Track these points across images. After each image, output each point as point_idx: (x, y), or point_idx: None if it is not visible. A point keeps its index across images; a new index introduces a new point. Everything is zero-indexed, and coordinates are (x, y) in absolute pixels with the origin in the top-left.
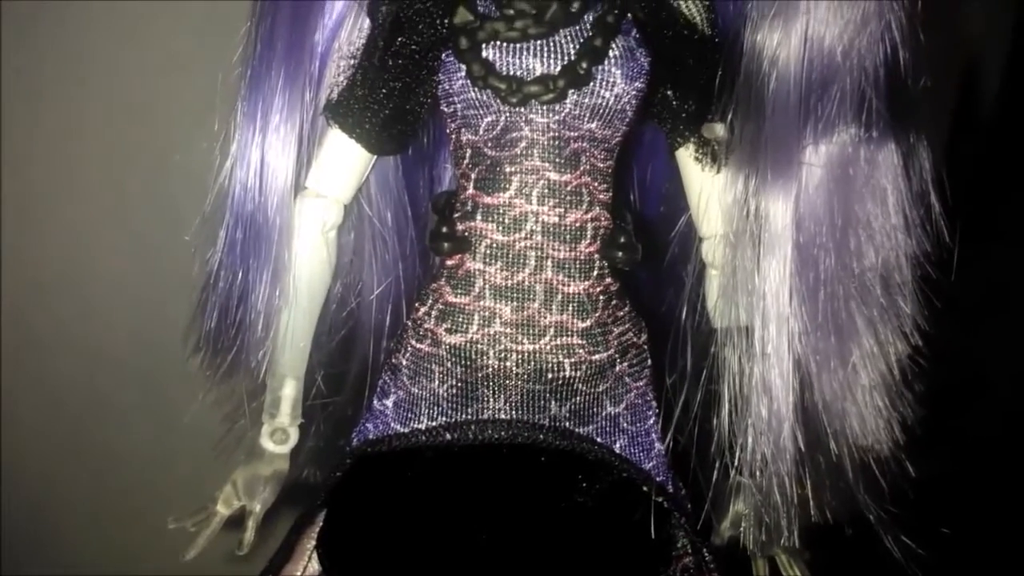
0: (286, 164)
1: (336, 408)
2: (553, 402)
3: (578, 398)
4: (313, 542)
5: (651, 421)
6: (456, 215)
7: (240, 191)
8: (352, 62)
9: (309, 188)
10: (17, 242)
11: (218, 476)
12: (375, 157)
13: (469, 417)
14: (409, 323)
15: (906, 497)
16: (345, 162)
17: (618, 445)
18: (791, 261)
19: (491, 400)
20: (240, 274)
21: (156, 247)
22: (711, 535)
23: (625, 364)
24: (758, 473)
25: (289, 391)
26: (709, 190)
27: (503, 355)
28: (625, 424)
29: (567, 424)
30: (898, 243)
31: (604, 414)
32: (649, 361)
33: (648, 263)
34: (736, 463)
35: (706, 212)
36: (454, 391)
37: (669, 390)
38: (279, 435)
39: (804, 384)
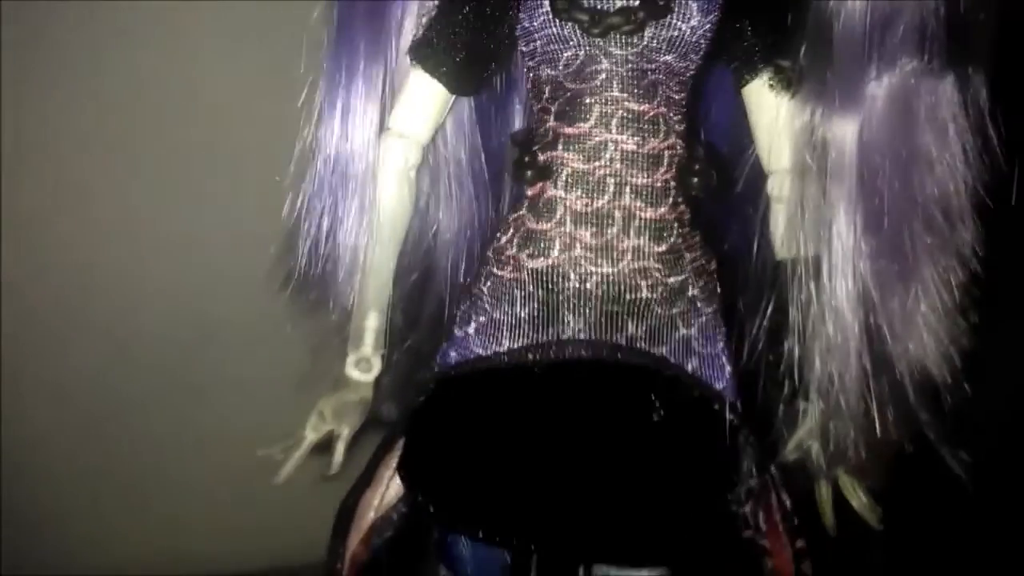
0: (371, 107)
1: (413, 345)
2: (630, 323)
3: (653, 320)
4: (392, 469)
5: (721, 345)
6: (536, 147)
7: (327, 133)
8: (435, 4)
9: (392, 128)
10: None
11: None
12: (453, 98)
13: (550, 338)
14: (490, 254)
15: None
16: (426, 102)
17: (690, 366)
18: (856, 190)
19: (571, 321)
20: (328, 211)
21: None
22: (776, 459)
23: (697, 289)
24: (824, 396)
25: (372, 322)
26: (776, 124)
27: (583, 278)
28: (697, 346)
29: (642, 345)
30: (957, 173)
31: (677, 336)
32: (719, 288)
33: (717, 198)
34: (802, 387)
35: (772, 147)
36: (535, 314)
37: (741, 311)
38: (363, 364)
39: (868, 310)
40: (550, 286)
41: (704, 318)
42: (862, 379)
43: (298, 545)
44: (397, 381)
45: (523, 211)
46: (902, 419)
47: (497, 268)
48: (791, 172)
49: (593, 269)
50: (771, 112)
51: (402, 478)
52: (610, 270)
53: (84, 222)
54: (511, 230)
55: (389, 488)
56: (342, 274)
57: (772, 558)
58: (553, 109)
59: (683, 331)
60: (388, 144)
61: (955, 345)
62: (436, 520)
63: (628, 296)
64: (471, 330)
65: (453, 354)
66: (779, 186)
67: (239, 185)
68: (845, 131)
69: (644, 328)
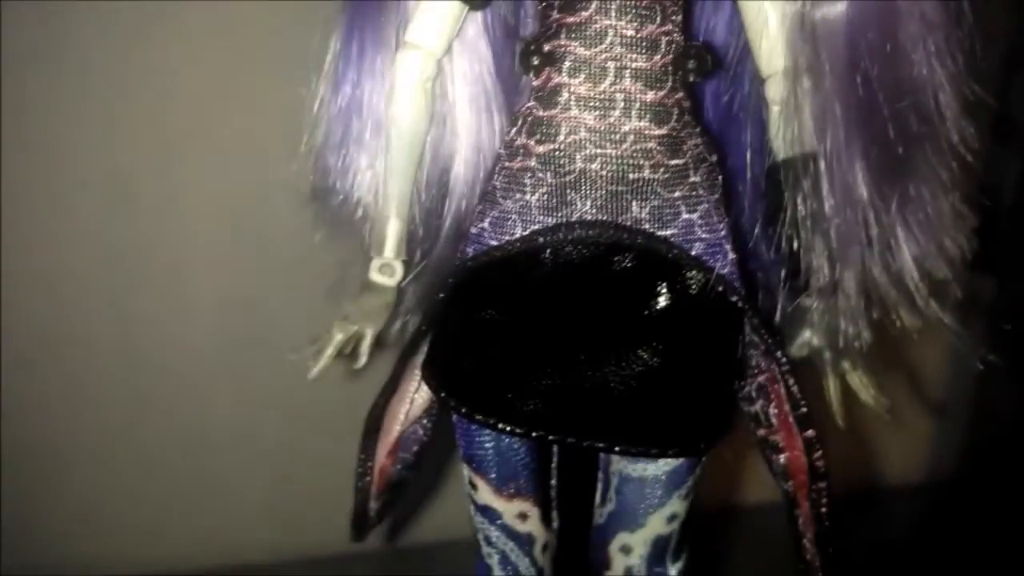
0: (385, 54)
1: (433, 260)
2: (634, 203)
3: (657, 201)
4: (417, 380)
5: (724, 232)
6: (541, 39)
7: (345, 50)
8: None
9: (408, 42)
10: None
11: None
12: (467, 10)
13: (558, 221)
14: (501, 150)
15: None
16: (440, 15)
17: (695, 250)
18: (847, 79)
19: (578, 203)
20: (346, 124)
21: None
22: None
23: (698, 176)
24: (827, 293)
25: (394, 229)
26: (769, 28)
27: (588, 159)
28: (700, 232)
29: (647, 227)
30: (947, 68)
31: (681, 219)
32: (720, 179)
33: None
34: (806, 285)
35: (767, 51)
36: (545, 198)
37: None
38: (386, 269)
39: (867, 205)
40: (556, 169)
41: (707, 205)
42: (864, 275)
43: (310, 538)
44: (420, 293)
45: (531, 102)
46: (908, 314)
47: (508, 160)
48: (783, 73)
49: (597, 151)
50: (764, 15)
51: (424, 377)
52: (614, 151)
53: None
54: (520, 121)
55: (415, 402)
56: (361, 183)
57: (784, 453)
58: (556, 3)
59: (686, 215)
60: (404, 56)
61: (957, 240)
62: (457, 413)
63: (631, 176)
64: (486, 224)
65: (470, 250)
66: (774, 88)
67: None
68: (835, 28)
69: (648, 209)
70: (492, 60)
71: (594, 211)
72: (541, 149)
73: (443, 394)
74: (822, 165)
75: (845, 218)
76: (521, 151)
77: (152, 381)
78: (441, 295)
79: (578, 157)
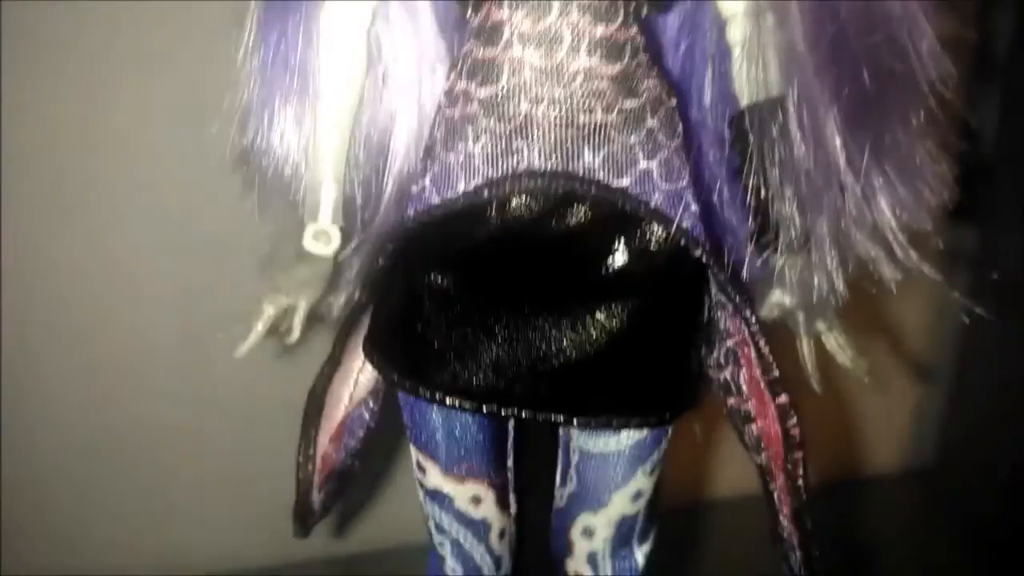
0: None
1: (375, 228)
2: (587, 149)
3: (611, 147)
4: (360, 359)
5: (684, 183)
6: None
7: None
8: None
9: None
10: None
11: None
12: None
13: (504, 172)
14: (441, 98)
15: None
16: None
17: (653, 201)
18: (815, 20)
19: (525, 151)
20: (272, 79)
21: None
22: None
23: (656, 121)
24: (799, 248)
25: (329, 193)
26: None
27: (534, 101)
28: (659, 181)
29: (601, 176)
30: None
31: (638, 168)
32: (680, 127)
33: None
34: (776, 240)
35: None
36: (489, 147)
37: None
38: (321, 236)
39: (839, 152)
40: (500, 113)
41: (666, 152)
42: (838, 227)
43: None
44: (361, 264)
45: (470, 43)
46: (886, 266)
47: (448, 108)
48: (747, 11)
49: (544, 93)
50: None
51: (365, 351)
52: (562, 92)
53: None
54: (459, 64)
55: (359, 382)
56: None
57: (756, 422)
58: None
59: (644, 164)
60: (336, 5)
61: (936, 187)
62: (401, 389)
63: (582, 119)
64: (427, 181)
65: (411, 211)
66: (735, 30)
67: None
68: None
69: (602, 157)
70: (433, 10)
71: (542, 160)
72: (483, 93)
73: (384, 368)
74: (790, 109)
75: (816, 166)
76: (461, 97)
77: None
78: (381, 261)
79: (523, 100)
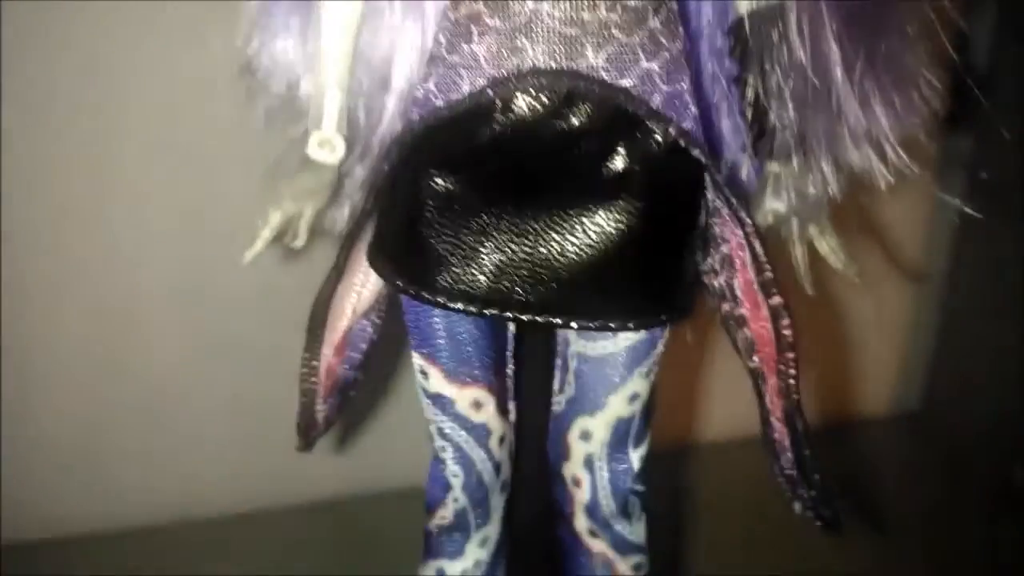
0: None
1: (378, 138)
2: (589, 48)
3: (614, 46)
4: (363, 272)
5: (685, 85)
6: None
7: None
8: None
9: None
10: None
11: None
12: None
13: (509, 72)
14: (447, 2)
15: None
16: None
17: (654, 102)
18: None
19: (529, 49)
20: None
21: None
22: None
23: (658, 22)
24: (793, 154)
25: (333, 100)
26: None
27: None
28: (661, 83)
29: (604, 75)
30: None
31: (641, 67)
32: (681, 29)
33: None
34: (772, 147)
35: None
36: (494, 47)
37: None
38: (326, 145)
39: (837, 60)
40: (503, 11)
41: (668, 54)
42: (832, 132)
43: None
44: (365, 175)
45: None
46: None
47: (451, 11)
48: None
49: None
50: None
51: (369, 258)
52: None
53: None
54: None
55: (362, 295)
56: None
57: (749, 326)
58: None
59: (646, 63)
60: None
61: (929, 97)
62: (404, 294)
63: (586, 16)
64: (431, 84)
65: (415, 115)
66: None
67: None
68: None
69: (605, 56)
70: None
71: (546, 58)
72: None
73: (388, 274)
74: (789, 16)
75: (813, 70)
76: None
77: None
78: (386, 167)
79: None
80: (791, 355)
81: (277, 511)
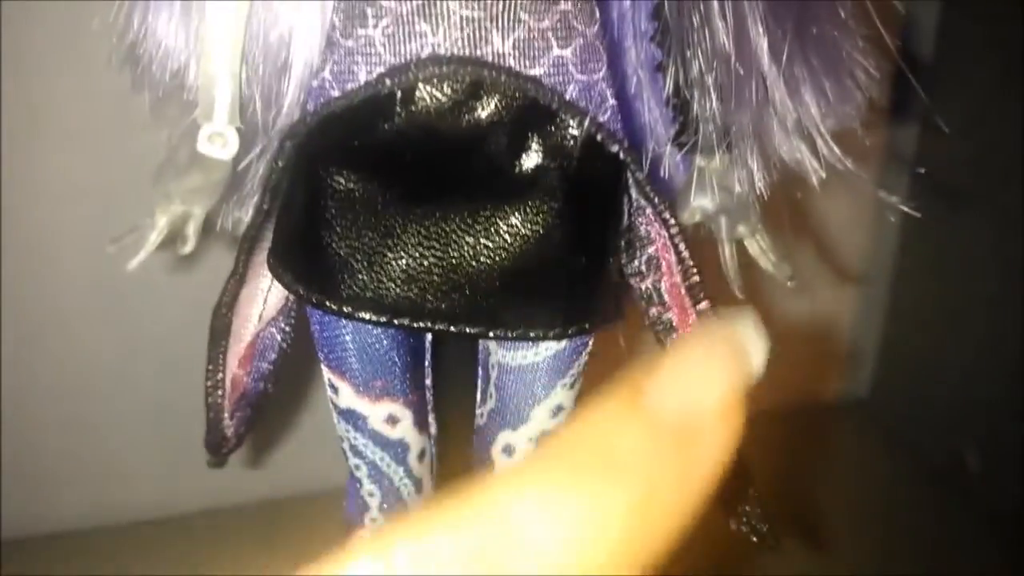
0: None
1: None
2: (495, 33)
3: (522, 31)
4: (268, 277)
5: (601, 74)
6: None
7: None
8: None
9: None
10: None
11: None
12: None
13: (408, 58)
14: None
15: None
16: None
17: (568, 93)
18: None
19: (429, 34)
20: None
21: None
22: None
23: (570, 4)
24: (722, 147)
25: (224, 90)
26: None
27: None
28: (575, 71)
29: (512, 63)
30: None
31: (552, 56)
32: (598, 13)
33: None
34: (697, 140)
35: None
36: (390, 30)
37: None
38: (216, 139)
39: (764, 42)
40: None
41: (582, 40)
42: (760, 123)
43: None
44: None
45: None
46: (810, 165)
47: None
48: None
49: None
50: None
51: (268, 264)
52: None
53: None
54: None
55: (268, 300)
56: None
57: (677, 332)
58: None
59: (557, 51)
60: None
61: (864, 85)
62: (308, 303)
63: None
64: (327, 73)
65: (310, 105)
66: None
67: None
68: None
69: (512, 42)
70: None
71: (448, 44)
72: None
73: (289, 282)
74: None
75: (738, 56)
76: None
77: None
78: (280, 163)
79: None
80: None
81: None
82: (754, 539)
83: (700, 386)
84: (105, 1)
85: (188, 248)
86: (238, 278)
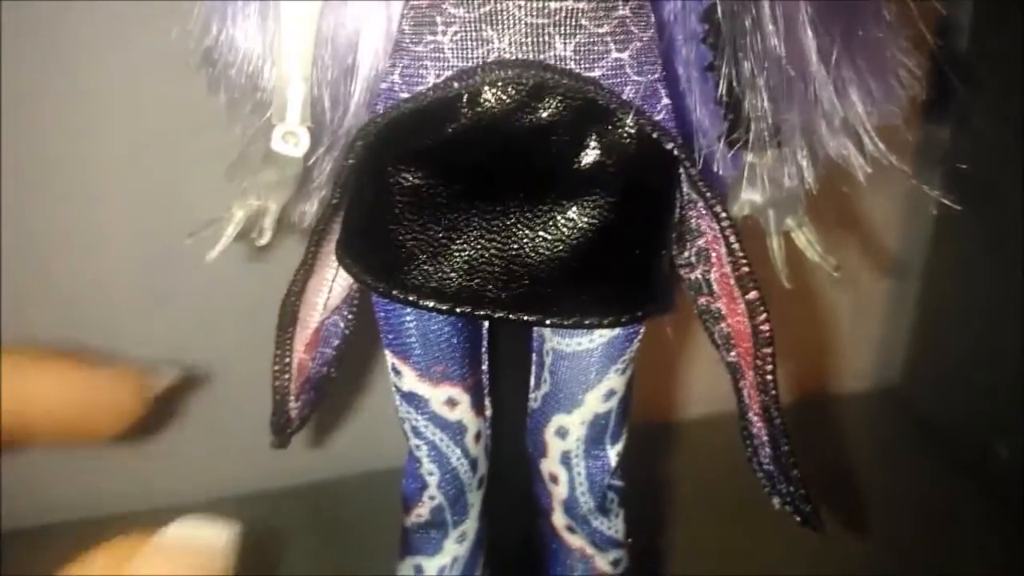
0: None
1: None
2: (558, 38)
3: (583, 36)
4: (334, 267)
5: (658, 75)
6: None
7: None
8: None
9: None
10: None
11: None
12: None
13: (475, 62)
14: None
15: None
16: None
17: (626, 93)
18: None
19: (496, 41)
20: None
21: None
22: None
23: (628, 9)
24: (768, 144)
25: (297, 90)
26: None
27: None
28: (632, 73)
29: (573, 66)
30: None
31: (611, 58)
32: (653, 17)
33: None
34: (748, 137)
35: None
36: (458, 36)
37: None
38: (290, 137)
39: (813, 43)
40: (469, 2)
41: (639, 43)
42: (808, 121)
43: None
44: (333, 167)
45: None
46: (856, 161)
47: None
48: None
49: None
50: None
51: (337, 255)
52: None
53: None
54: None
55: (333, 290)
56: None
57: (726, 320)
58: None
59: (616, 54)
60: None
61: (907, 84)
62: (374, 292)
63: (553, 5)
64: (396, 76)
65: (379, 107)
66: None
67: None
68: None
69: (574, 46)
70: None
71: (513, 49)
72: None
73: (357, 271)
74: (763, 3)
75: (788, 57)
76: None
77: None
78: (350, 161)
79: None
80: (768, 351)
81: (254, 496)
82: (798, 519)
83: None
84: (182, 1)
85: (265, 239)
86: (307, 268)
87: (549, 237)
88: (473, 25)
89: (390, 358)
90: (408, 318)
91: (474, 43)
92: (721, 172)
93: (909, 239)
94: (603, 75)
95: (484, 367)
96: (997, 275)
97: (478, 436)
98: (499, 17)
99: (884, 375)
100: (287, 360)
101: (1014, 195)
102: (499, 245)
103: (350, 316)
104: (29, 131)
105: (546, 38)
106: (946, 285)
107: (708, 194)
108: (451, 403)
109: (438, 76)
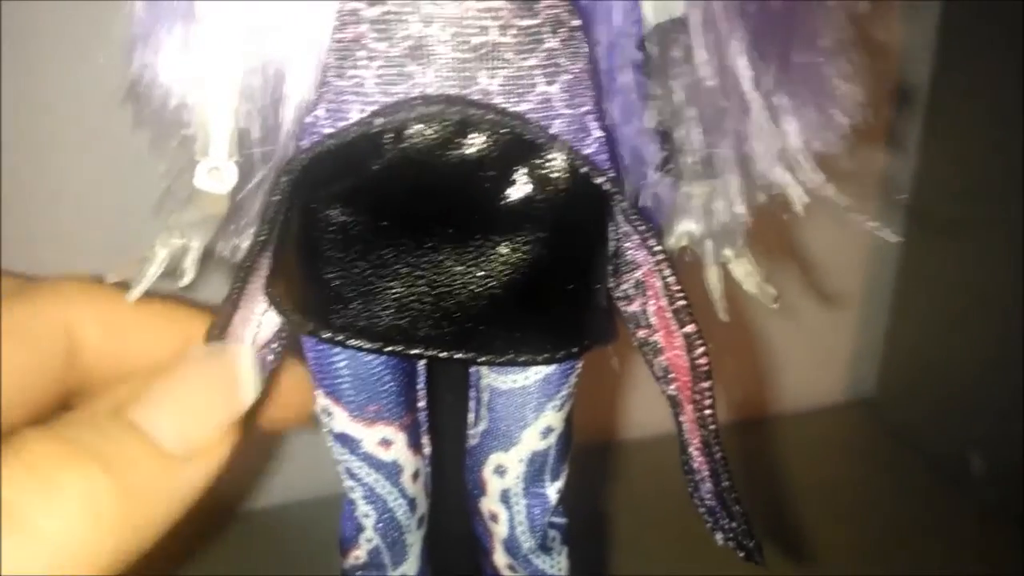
0: None
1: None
2: (483, 72)
3: (508, 70)
4: (264, 302)
5: (588, 108)
6: None
7: None
8: None
9: None
10: None
11: None
12: None
13: (399, 98)
14: (334, 22)
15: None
16: None
17: (554, 127)
18: None
19: (419, 75)
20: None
21: None
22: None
23: (557, 42)
24: (705, 174)
25: (222, 125)
26: None
27: (425, 21)
28: (561, 106)
29: (499, 100)
30: None
31: (537, 91)
32: (586, 48)
33: None
34: (682, 167)
35: None
36: (381, 71)
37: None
38: (215, 174)
39: (748, 70)
40: (391, 35)
41: (569, 76)
42: (742, 151)
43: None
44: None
45: None
46: (794, 191)
47: (339, 31)
48: None
49: (435, 11)
50: None
51: (266, 293)
52: (455, 11)
53: None
54: None
55: (262, 325)
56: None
57: (664, 354)
58: None
59: (544, 87)
60: None
61: (847, 111)
62: (303, 332)
63: (476, 40)
64: (320, 111)
65: (304, 142)
66: None
67: None
68: None
69: (499, 81)
70: None
71: (438, 84)
72: (372, 12)
73: (285, 311)
74: (695, 28)
75: (720, 86)
76: (351, 18)
77: None
78: (276, 197)
79: (413, 19)
80: (706, 385)
81: None
82: (740, 554)
83: (195, 412)
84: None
85: (186, 281)
86: (232, 303)
87: (480, 273)
88: (396, 60)
89: (321, 399)
90: (338, 358)
91: (397, 78)
92: (659, 202)
93: (882, 249)
94: (531, 109)
95: (422, 404)
96: (970, 285)
97: (416, 475)
98: (422, 52)
99: (859, 387)
100: None
101: (988, 203)
102: (429, 282)
103: (280, 350)
104: None
105: (471, 73)
106: (920, 292)
107: (642, 227)
108: (385, 443)
109: (362, 111)
